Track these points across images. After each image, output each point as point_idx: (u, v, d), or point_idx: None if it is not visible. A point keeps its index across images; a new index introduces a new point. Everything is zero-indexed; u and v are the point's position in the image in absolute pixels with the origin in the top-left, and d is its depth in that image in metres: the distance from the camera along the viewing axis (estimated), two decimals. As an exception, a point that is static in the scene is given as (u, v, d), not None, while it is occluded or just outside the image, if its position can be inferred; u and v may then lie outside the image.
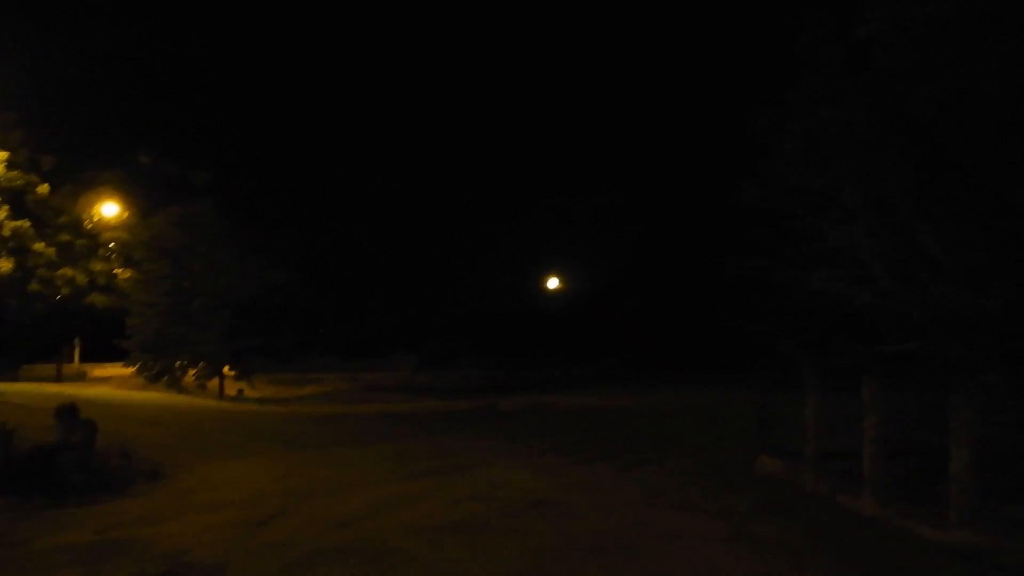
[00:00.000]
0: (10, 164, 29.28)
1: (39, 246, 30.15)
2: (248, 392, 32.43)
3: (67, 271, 30.91)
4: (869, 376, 8.33)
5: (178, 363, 31.07)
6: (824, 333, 10.24)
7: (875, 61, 8.64)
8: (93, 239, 32.55)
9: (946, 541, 7.10)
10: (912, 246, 8.90)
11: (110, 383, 32.87)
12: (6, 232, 29.00)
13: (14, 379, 30.23)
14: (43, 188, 30.29)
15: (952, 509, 7.07)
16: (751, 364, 12.23)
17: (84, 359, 38.87)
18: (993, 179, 8.37)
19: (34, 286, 30.29)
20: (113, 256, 33.20)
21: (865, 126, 9.30)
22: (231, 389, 31.99)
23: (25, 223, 29.63)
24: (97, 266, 32.22)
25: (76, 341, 38.20)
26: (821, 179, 9.99)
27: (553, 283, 40.50)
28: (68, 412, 11.11)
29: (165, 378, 31.07)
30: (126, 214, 33.46)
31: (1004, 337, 8.17)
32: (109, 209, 33.11)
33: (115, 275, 32.90)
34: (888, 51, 8.35)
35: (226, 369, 31.88)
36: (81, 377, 36.14)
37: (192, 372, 31.21)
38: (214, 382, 31.57)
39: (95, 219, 32.88)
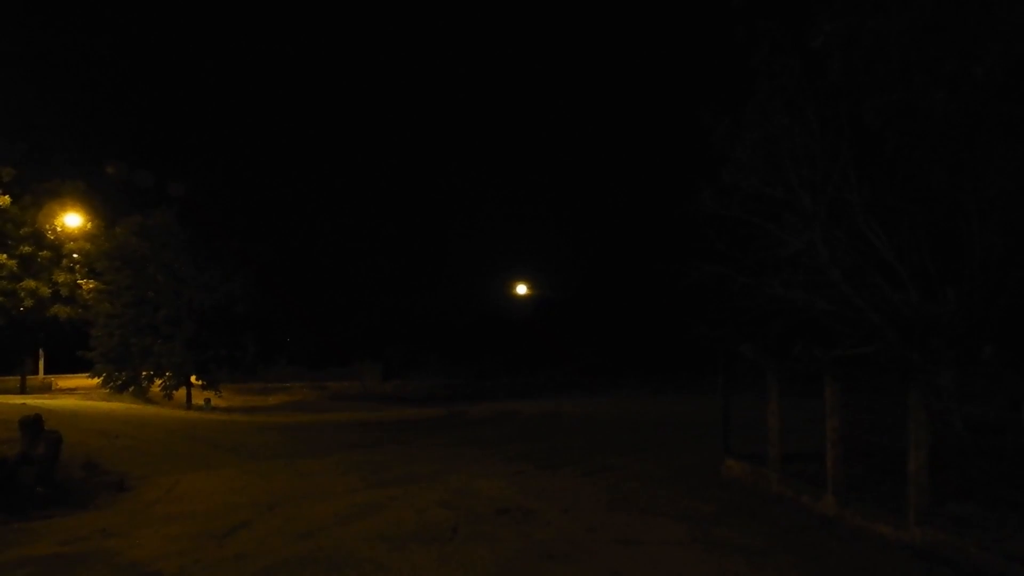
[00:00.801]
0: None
1: (0, 258, 29.32)
2: (215, 402, 31.82)
3: (30, 283, 30.02)
4: (830, 380, 8.41)
5: (144, 373, 30.40)
6: (783, 338, 10.33)
7: (828, 73, 8.76)
8: (56, 250, 31.67)
9: (904, 540, 7.16)
10: (868, 253, 9.03)
11: (76, 394, 31.96)
12: (-34, 245, 28.15)
13: (-24, 392, 29.26)
14: (3, 200, 29.45)
15: (910, 508, 7.13)
16: (713, 369, 12.27)
17: (49, 371, 37.80)
18: (941, 188, 8.52)
19: (-4, 298, 29.45)
20: (76, 267, 32.33)
21: (820, 135, 9.43)
22: (198, 399, 31.36)
23: (-15, 236, 28.83)
24: (60, 277, 31.34)
25: (40, 353, 37.17)
26: (778, 187, 10.11)
27: (522, 289, 40.50)
28: (32, 424, 10.75)
29: (131, 388, 30.36)
30: (89, 224, 32.66)
31: (954, 341, 8.31)
32: (72, 220, 32.24)
33: (78, 286, 32.03)
34: (840, 63, 8.47)
35: (193, 379, 31.27)
36: (46, 389, 35.13)
37: (159, 382, 30.55)
38: (181, 392, 30.94)
39: (57, 230, 32.03)
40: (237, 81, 63.74)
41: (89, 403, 27.00)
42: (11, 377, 34.35)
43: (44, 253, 31.02)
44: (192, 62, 59.90)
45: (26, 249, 30.42)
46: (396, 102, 68.02)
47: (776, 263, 10.38)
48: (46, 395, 31.23)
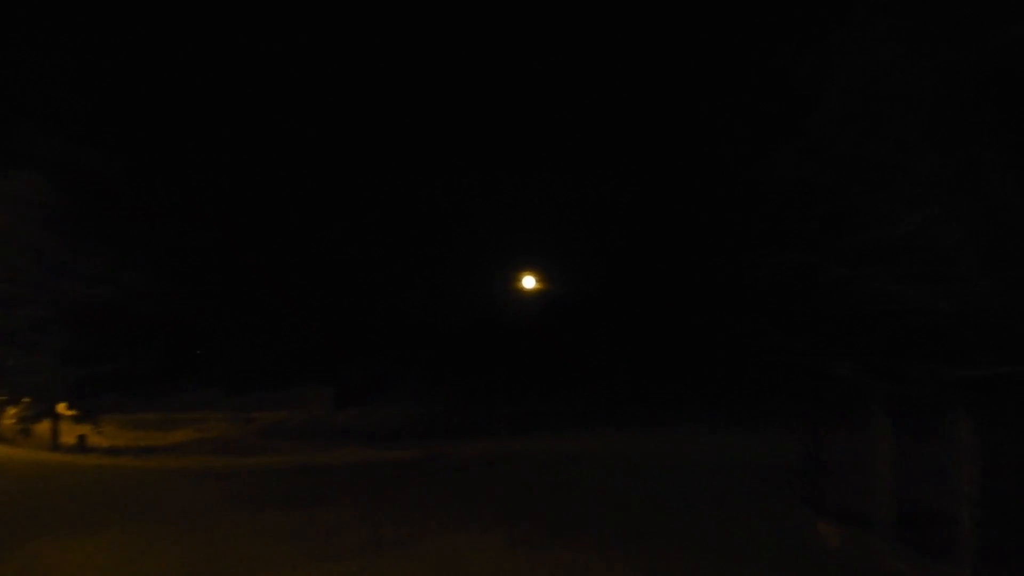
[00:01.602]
0: None
1: None
2: (93, 440, 31.83)
3: None
4: (964, 412, 8.34)
5: (-8, 400, 30.40)
6: (893, 351, 10.30)
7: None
8: None
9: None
10: (1017, 232, 8.97)
11: None
12: None
13: None
14: None
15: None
16: (794, 394, 12.22)
17: None
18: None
19: None
20: None
21: (946, 71, 9.36)
22: (69, 436, 31.34)
23: None
24: None
25: None
26: (885, 143, 10.05)
27: (529, 283, 40.24)
28: None
29: (-28, 421, 30.41)
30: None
31: None
32: None
33: None
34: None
35: (62, 407, 31.20)
36: None
37: (12, 412, 30.50)
38: (44, 426, 30.87)
39: None
40: (195, 40, 63.30)
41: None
42: None
43: None
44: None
45: None
46: (355, 55, 67.67)
47: (883, 248, 10.34)
48: None
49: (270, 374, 46.53)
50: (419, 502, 16.65)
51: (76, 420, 31.55)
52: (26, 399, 30.12)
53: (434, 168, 53.67)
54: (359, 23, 64.25)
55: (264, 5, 64.70)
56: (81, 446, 30.89)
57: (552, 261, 47.83)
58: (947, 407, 8.59)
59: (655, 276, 48.21)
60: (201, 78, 58.92)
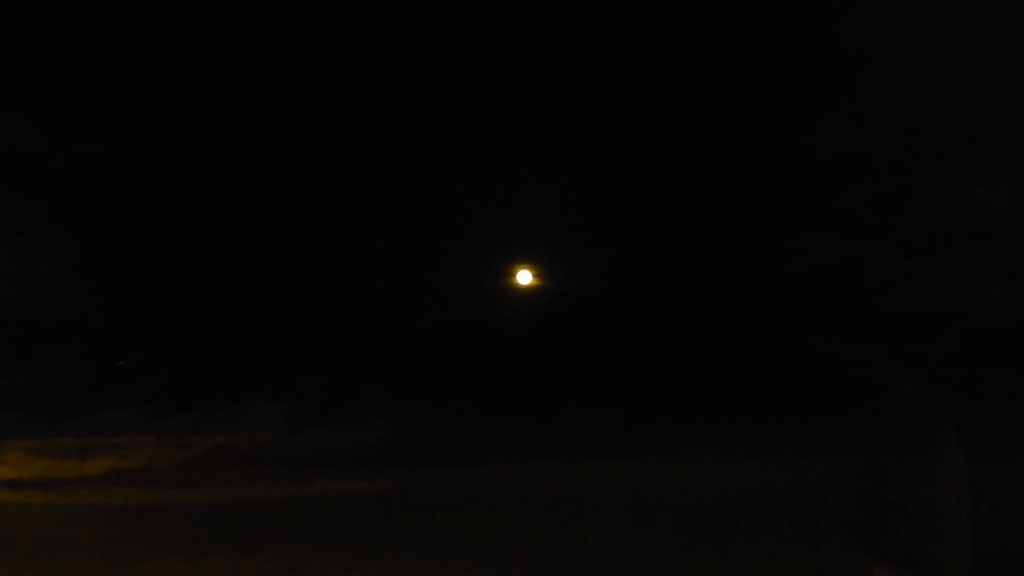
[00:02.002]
0: None
1: None
2: (-5, 470, 31.84)
3: None
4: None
5: None
6: (963, 361, 10.29)
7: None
8: None
9: None
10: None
11: None
12: None
13: None
14: None
15: None
16: (843, 412, 12.23)
17: None
18: None
19: None
20: None
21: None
22: (-37, 465, 31.39)
23: None
24: None
25: None
26: (958, 107, 10.04)
27: (524, 278, 40.18)
28: None
29: None
30: None
31: None
32: None
33: None
34: None
35: (-48, 431, 31.24)
36: None
37: None
38: (-68, 454, 30.96)
39: None
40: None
41: None
42: None
43: None
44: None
45: None
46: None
47: (953, 235, 10.33)
48: None
49: (209, 390, 46.35)
50: (393, 545, 16.62)
51: (-29, 446, 31.57)
52: (-89, 422, 30.15)
53: (409, 143, 53.55)
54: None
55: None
56: (-22, 478, 30.86)
57: (553, 252, 47.76)
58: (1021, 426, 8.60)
59: (676, 268, 48.19)
60: (134, 39, 58.68)
